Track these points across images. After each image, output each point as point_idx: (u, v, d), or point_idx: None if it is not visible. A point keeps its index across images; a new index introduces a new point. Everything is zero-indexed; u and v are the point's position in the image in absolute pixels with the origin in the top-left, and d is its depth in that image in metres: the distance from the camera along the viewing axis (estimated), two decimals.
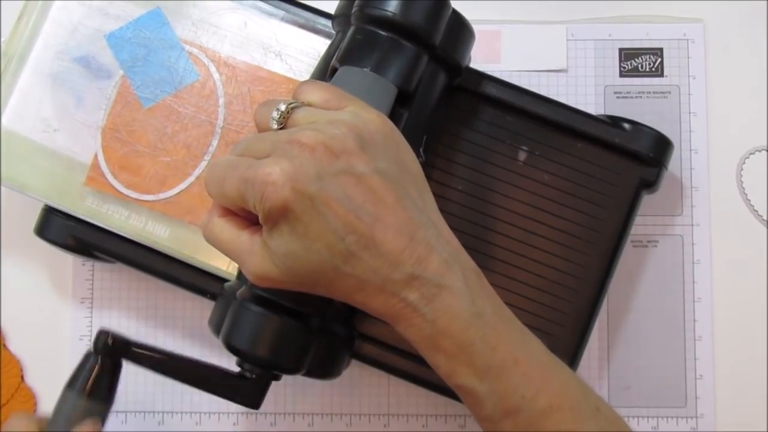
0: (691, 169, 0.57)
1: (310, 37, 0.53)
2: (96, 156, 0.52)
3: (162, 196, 0.52)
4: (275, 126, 0.40)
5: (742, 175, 0.57)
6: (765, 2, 0.58)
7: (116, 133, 0.52)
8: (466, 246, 0.51)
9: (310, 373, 0.47)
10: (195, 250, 0.52)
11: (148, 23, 0.53)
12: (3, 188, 0.58)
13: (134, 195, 0.52)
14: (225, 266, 0.51)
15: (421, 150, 0.49)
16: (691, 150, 0.57)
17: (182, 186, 0.52)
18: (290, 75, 0.53)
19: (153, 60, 0.53)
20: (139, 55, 0.53)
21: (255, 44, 0.53)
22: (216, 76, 0.52)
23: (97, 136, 0.52)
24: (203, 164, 0.52)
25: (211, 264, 0.52)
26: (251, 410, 0.55)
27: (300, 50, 0.53)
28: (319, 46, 0.53)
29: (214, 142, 0.52)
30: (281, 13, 0.53)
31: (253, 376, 0.46)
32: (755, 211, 0.56)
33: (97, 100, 0.53)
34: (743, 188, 0.56)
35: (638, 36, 0.57)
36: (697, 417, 0.55)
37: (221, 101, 0.52)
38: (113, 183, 0.52)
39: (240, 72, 0.53)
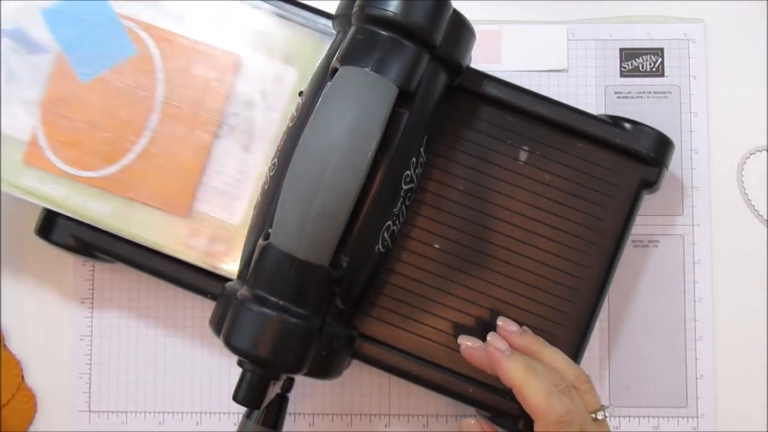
0: (691, 169, 0.57)
1: (253, 12, 0.52)
2: (34, 133, 0.51)
3: (102, 173, 0.51)
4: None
5: (742, 175, 0.57)
6: (765, 2, 0.58)
7: (55, 109, 0.51)
8: (466, 246, 0.51)
9: (310, 373, 0.47)
10: (140, 228, 0.51)
11: None
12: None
13: (74, 172, 0.51)
14: (172, 244, 0.51)
15: (421, 150, 0.49)
16: (691, 150, 0.57)
17: (123, 162, 0.51)
18: (231, 49, 0.52)
19: (90, 35, 0.51)
20: (77, 31, 0.51)
21: (195, 18, 0.52)
22: (154, 51, 0.52)
23: (35, 112, 0.51)
24: (144, 140, 0.51)
25: (154, 240, 0.51)
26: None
27: (243, 25, 0.52)
28: (264, 21, 0.53)
29: (154, 117, 0.51)
30: None
31: (254, 375, 0.47)
32: (755, 211, 0.56)
33: (31, 74, 0.52)
34: (743, 188, 0.56)
35: (639, 36, 0.57)
36: (697, 417, 0.55)
37: (160, 76, 0.51)
38: (52, 160, 0.51)
39: (179, 46, 0.52)
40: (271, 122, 0.52)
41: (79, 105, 0.52)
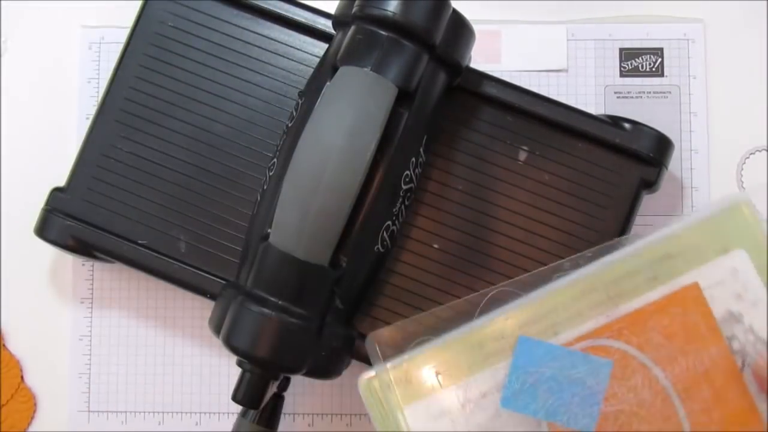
0: (691, 169, 0.57)
1: None
2: None
3: None
4: None
5: (742, 175, 0.57)
6: (765, 2, 0.58)
7: None
8: (466, 246, 0.51)
9: (309, 373, 0.47)
10: None
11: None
12: (3, 188, 0.58)
13: None
14: None
15: (421, 150, 0.49)
16: (691, 150, 0.57)
17: None
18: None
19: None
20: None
21: None
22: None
23: None
24: None
25: None
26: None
27: None
28: None
29: None
30: None
31: (253, 376, 0.47)
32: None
33: None
34: (743, 188, 0.56)
35: (638, 36, 0.57)
36: None
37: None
38: None
39: None
40: None
41: None
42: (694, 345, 0.41)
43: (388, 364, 0.41)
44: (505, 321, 0.41)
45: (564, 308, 0.41)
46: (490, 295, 0.43)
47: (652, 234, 0.42)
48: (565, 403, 0.40)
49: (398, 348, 0.41)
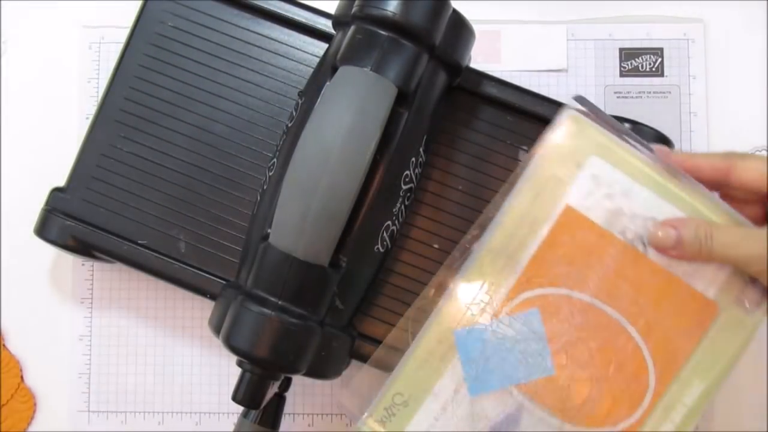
0: None
1: None
2: None
3: None
4: None
5: None
6: (765, 2, 0.58)
7: None
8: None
9: (309, 373, 0.47)
10: None
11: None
12: (3, 188, 0.58)
13: None
14: None
15: (421, 150, 0.49)
16: (691, 150, 0.56)
17: None
18: None
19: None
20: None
21: None
22: None
23: None
24: None
25: None
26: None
27: None
28: None
29: None
30: None
31: (253, 376, 0.47)
32: None
33: None
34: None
35: (638, 36, 0.57)
36: None
37: None
38: None
39: None
40: None
41: None
42: (596, 256, 0.43)
43: (365, 414, 0.44)
44: (438, 326, 0.44)
45: (479, 286, 0.44)
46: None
47: (515, 187, 0.44)
48: (519, 363, 0.43)
49: (366, 399, 0.45)
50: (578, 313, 0.43)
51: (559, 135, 0.44)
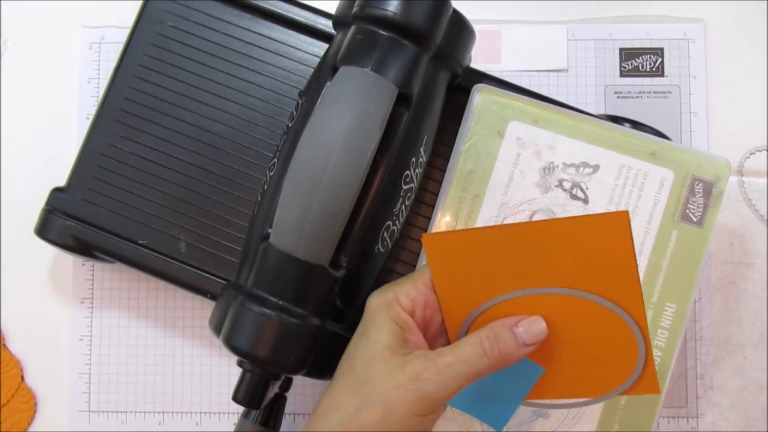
0: None
1: None
2: None
3: None
4: None
5: (742, 175, 0.57)
6: (765, 2, 0.58)
7: None
8: None
9: (309, 374, 0.47)
10: None
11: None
12: (3, 188, 0.58)
13: None
14: None
15: (421, 150, 0.49)
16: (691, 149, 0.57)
17: None
18: None
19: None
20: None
21: None
22: None
23: None
24: None
25: None
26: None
27: None
28: None
29: None
30: None
31: (254, 376, 0.47)
32: (756, 211, 0.56)
33: None
34: (744, 188, 0.56)
35: (639, 36, 0.57)
36: (697, 417, 0.55)
37: None
38: None
39: None
40: None
41: None
42: (544, 224, 0.40)
43: None
44: None
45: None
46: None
47: (449, 173, 0.48)
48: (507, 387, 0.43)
49: None
50: (561, 303, 0.41)
51: (475, 110, 0.46)
